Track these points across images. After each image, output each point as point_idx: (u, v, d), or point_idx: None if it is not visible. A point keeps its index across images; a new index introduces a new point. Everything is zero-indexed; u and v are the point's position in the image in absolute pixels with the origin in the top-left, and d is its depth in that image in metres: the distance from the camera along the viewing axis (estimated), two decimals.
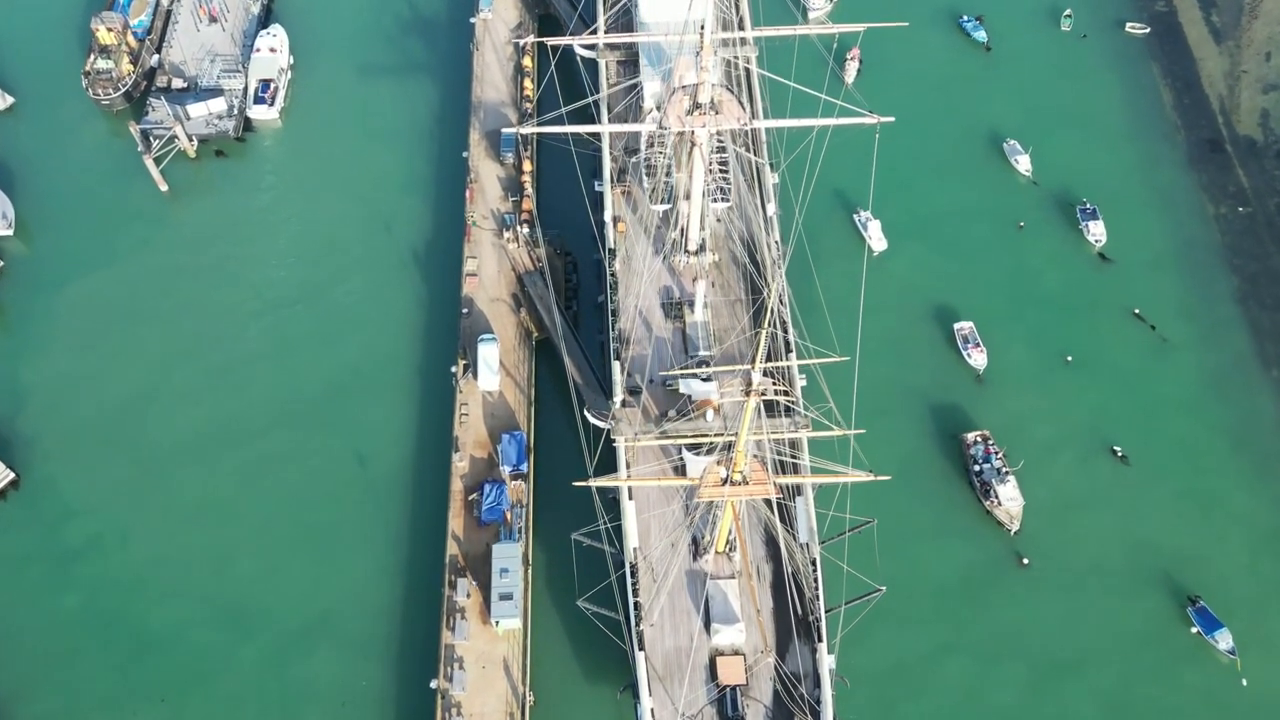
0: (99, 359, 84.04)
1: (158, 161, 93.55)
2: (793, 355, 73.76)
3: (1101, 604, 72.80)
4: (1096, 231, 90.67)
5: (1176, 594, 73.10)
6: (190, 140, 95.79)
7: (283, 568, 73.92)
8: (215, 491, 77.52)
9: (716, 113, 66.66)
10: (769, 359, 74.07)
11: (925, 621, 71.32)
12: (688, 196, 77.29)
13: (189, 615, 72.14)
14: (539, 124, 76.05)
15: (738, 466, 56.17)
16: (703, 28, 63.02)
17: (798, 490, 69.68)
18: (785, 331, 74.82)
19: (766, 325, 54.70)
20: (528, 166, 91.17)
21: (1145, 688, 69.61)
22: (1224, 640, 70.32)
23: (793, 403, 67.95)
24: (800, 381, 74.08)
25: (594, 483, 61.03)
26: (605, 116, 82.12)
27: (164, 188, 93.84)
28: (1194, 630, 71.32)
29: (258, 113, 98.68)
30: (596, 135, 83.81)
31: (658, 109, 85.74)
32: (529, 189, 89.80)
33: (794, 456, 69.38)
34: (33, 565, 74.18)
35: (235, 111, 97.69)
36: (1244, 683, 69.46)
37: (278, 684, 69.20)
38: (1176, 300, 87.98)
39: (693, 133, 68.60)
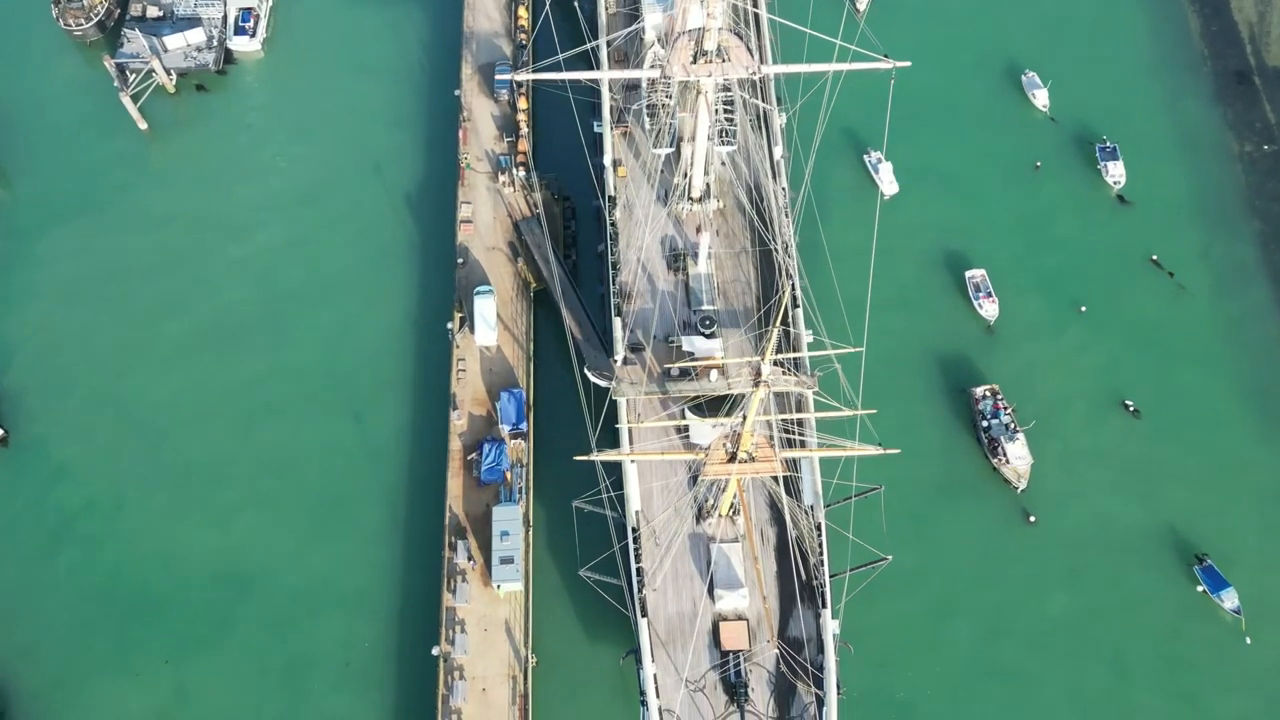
0: (84, 311, 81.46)
1: (135, 99, 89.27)
2: (799, 312, 71.46)
3: (1108, 562, 72.21)
4: (1115, 172, 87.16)
5: (1184, 552, 72.45)
6: (169, 75, 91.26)
7: (279, 528, 72.91)
8: (208, 448, 75.96)
9: (724, 60, 62.78)
10: (777, 317, 72.08)
11: (930, 582, 70.79)
12: (692, 139, 73.73)
13: (187, 576, 71.41)
14: (534, 69, 71.86)
15: (744, 446, 54.42)
16: None
17: (801, 433, 68.06)
18: (793, 287, 72.30)
19: (776, 323, 52.09)
20: (523, 104, 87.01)
21: (1149, 646, 69.53)
22: (1229, 599, 69.95)
23: (802, 385, 65.49)
24: (807, 337, 72.01)
25: (597, 457, 59.33)
26: (605, 60, 77.65)
27: (143, 126, 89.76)
28: (1200, 589, 70.90)
29: (239, 44, 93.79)
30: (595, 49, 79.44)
31: (660, 42, 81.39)
32: (524, 128, 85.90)
33: (800, 428, 67.57)
34: (25, 526, 73.11)
35: (215, 43, 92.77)
36: (1248, 641, 69.35)
37: (280, 645, 68.89)
38: (1196, 245, 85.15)
39: (698, 81, 64.77)
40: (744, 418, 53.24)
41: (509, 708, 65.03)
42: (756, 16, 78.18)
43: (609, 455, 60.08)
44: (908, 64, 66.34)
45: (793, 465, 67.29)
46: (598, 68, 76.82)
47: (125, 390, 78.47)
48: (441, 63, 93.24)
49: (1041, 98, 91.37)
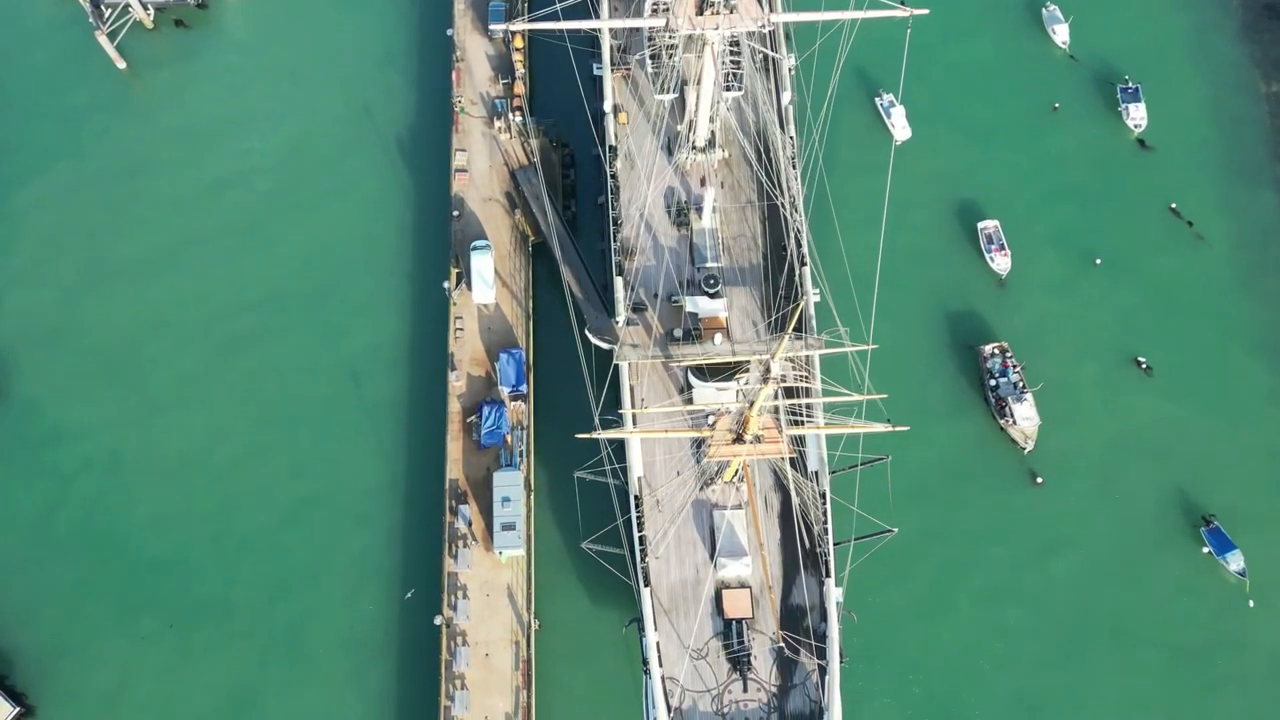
0: (68, 266, 79.15)
1: (112, 36, 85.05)
2: (806, 270, 69.17)
3: (1115, 523, 71.62)
4: (1137, 115, 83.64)
5: (1191, 513, 71.83)
6: (146, 9, 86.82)
7: (278, 490, 72.08)
8: (203, 407, 74.59)
9: (731, 11, 59.12)
10: (782, 275, 69.96)
11: (935, 546, 70.30)
12: (697, 83, 70.22)
13: (187, 538, 70.92)
14: (530, 19, 67.83)
15: (750, 430, 53.00)
16: None
17: (809, 415, 66.94)
18: (800, 244, 69.87)
19: (789, 331, 50.13)
20: (519, 43, 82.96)
21: (1152, 608, 69.38)
22: (1235, 562, 69.63)
23: (810, 349, 63.57)
24: (814, 296, 69.95)
25: (600, 434, 57.97)
26: (606, 7, 73.34)
27: (122, 65, 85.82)
28: (1205, 550, 70.52)
29: None
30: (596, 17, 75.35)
31: None
32: (521, 69, 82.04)
33: (806, 385, 66.02)
34: (22, 487, 72.29)
35: None
36: (1251, 604, 69.25)
37: (283, 609, 68.74)
38: (1217, 193, 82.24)
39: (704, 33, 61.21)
40: (750, 403, 51.62)
41: (512, 673, 65.28)
42: None
43: (612, 434, 58.68)
44: (925, 11, 63.06)
45: (797, 442, 66.13)
46: (597, 14, 72.66)
47: (116, 346, 76.74)
48: None
49: (1062, 33, 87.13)
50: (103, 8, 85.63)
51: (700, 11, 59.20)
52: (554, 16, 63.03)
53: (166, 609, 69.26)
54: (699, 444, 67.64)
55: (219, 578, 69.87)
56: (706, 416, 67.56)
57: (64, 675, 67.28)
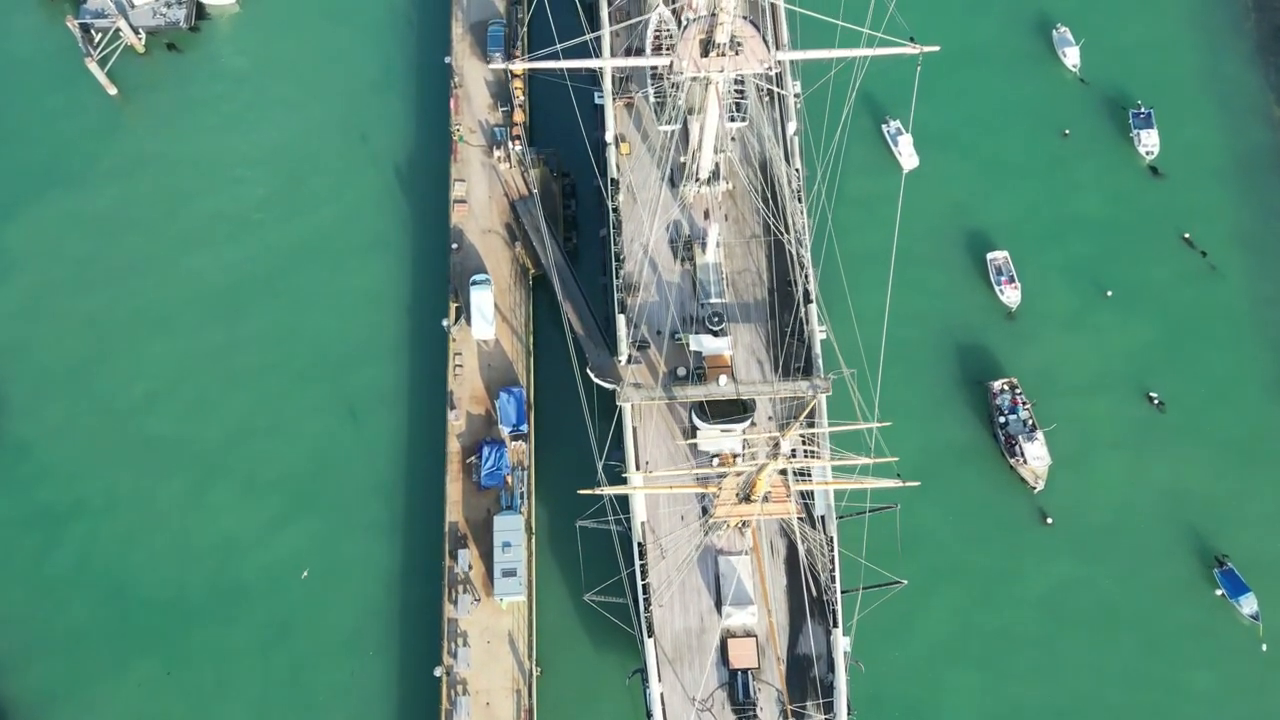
0: (59, 298, 77.60)
1: (103, 62, 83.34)
2: (813, 308, 67.74)
3: (1126, 564, 70.34)
4: (1149, 142, 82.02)
5: (1204, 553, 70.56)
6: (137, 33, 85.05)
7: (275, 531, 70.73)
8: (197, 446, 73.21)
9: (736, 53, 57.47)
10: (786, 320, 68.48)
11: (945, 590, 69.00)
12: (702, 111, 68.54)
13: (183, 579, 69.56)
14: (530, 58, 66.14)
15: (758, 492, 51.64)
16: None
17: (814, 456, 65.59)
18: (806, 280, 68.44)
19: (801, 419, 48.98)
20: (518, 69, 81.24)
21: (1164, 651, 68.18)
22: (1248, 605, 68.42)
23: (815, 391, 62.10)
24: (820, 334, 68.58)
25: (604, 490, 56.60)
26: (607, 46, 71.41)
27: (113, 91, 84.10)
28: (1218, 592, 69.29)
29: None
30: (596, 37, 73.50)
31: (666, 2, 75.38)
32: (520, 97, 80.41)
33: (813, 448, 64.48)
34: (14, 530, 70.95)
35: None
36: (1264, 648, 68.07)
37: (283, 654, 67.40)
38: (1230, 221, 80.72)
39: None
40: (760, 468, 50.22)
41: None
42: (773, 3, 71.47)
43: (616, 490, 57.29)
44: (936, 48, 61.22)
45: (804, 478, 64.83)
46: (598, 50, 70.85)
47: (110, 382, 75.29)
48: (429, 15, 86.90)
49: (1072, 56, 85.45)
50: (93, 33, 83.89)
51: (705, 53, 57.51)
52: (554, 55, 61.29)
53: (164, 654, 68.00)
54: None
55: (217, 622, 68.61)
56: (712, 459, 66.52)
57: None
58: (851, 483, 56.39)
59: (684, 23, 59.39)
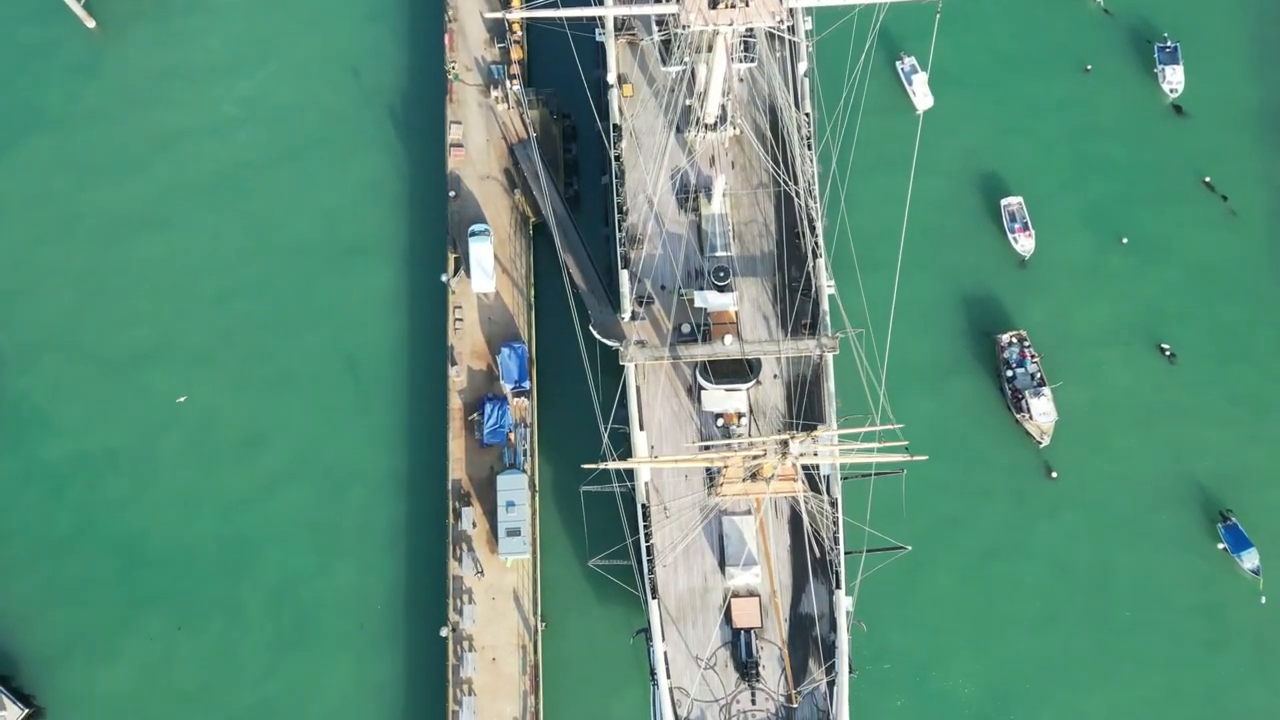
0: (45, 244, 75.52)
1: None
2: (821, 262, 65.97)
3: (1130, 520, 70.26)
4: (1174, 79, 78.63)
5: (1209, 508, 70.45)
6: None
7: (278, 484, 70.46)
8: (194, 401, 72.20)
9: (746, 3, 54.27)
10: (794, 272, 66.64)
11: (949, 546, 69.07)
12: (709, 49, 65.32)
13: (189, 536, 69.51)
14: (529, 6, 62.51)
15: (765, 474, 50.95)
16: None
17: (820, 418, 64.87)
18: (814, 233, 66.40)
19: (809, 435, 47.79)
20: (516, 2, 77.29)
21: (1166, 604, 68.59)
22: (1249, 560, 68.66)
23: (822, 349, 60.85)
24: (828, 288, 66.93)
25: (608, 465, 55.95)
26: None
27: (91, 24, 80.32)
28: (1221, 547, 69.48)
29: None
30: None
31: None
32: (518, 33, 76.70)
33: (818, 397, 63.51)
34: (17, 488, 70.71)
35: None
36: (1263, 600, 68.59)
37: (291, 609, 67.82)
38: (1254, 164, 78.08)
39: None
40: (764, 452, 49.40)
41: (519, 677, 65.12)
42: None
43: (621, 464, 56.63)
44: None
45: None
46: None
47: (103, 333, 73.99)
48: None
49: None
50: None
51: (714, 5, 54.33)
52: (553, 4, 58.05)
53: (173, 608, 68.52)
54: (708, 445, 65.84)
55: (225, 575, 68.94)
56: (716, 418, 65.80)
57: (72, 677, 67.10)
58: (858, 457, 55.68)
59: None
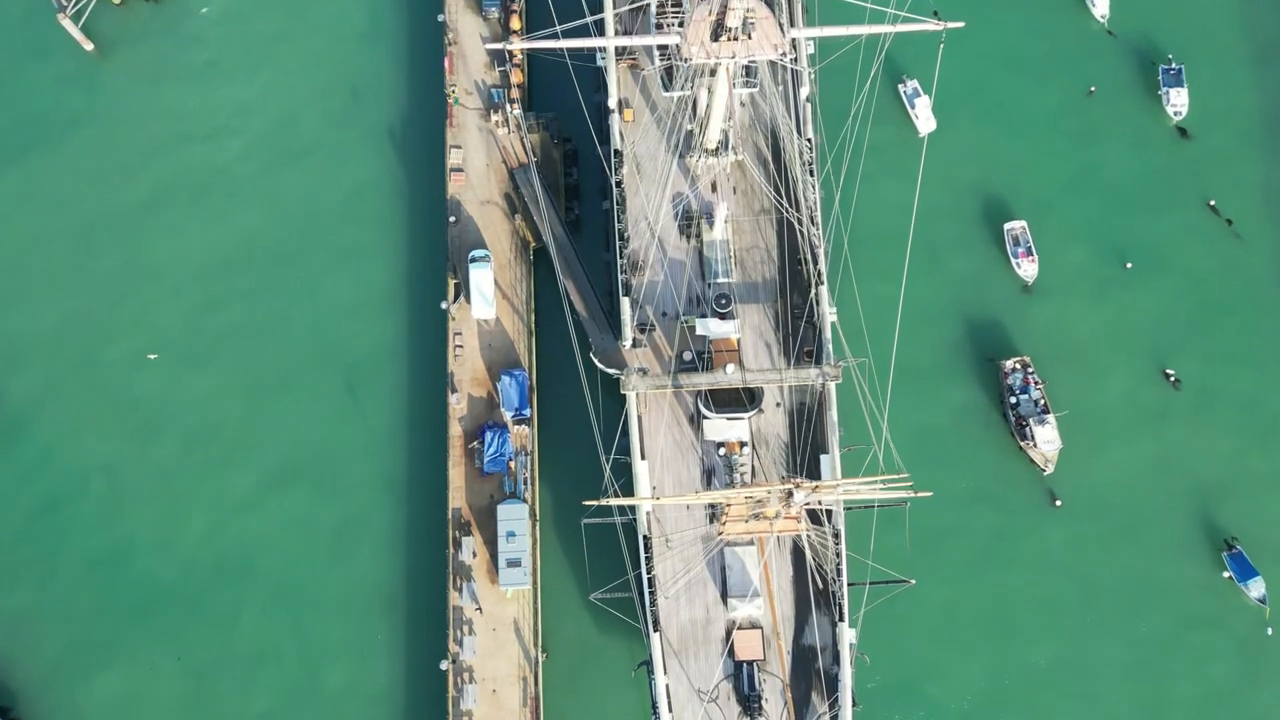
0: (38, 260, 74.81)
1: (77, 17, 78.82)
2: (824, 289, 65.55)
3: (1136, 546, 69.64)
4: (1178, 101, 78.10)
5: (1215, 535, 69.91)
6: None
7: (278, 512, 69.88)
8: (189, 424, 71.69)
9: (749, 36, 53.80)
10: (796, 299, 66.26)
11: (951, 574, 68.54)
12: (711, 74, 64.86)
13: (188, 562, 68.94)
14: (529, 38, 62.07)
15: (768, 515, 50.50)
16: None
17: (823, 447, 64.49)
18: (817, 261, 65.99)
19: (814, 484, 47.10)
20: (515, 24, 76.89)
21: (1171, 634, 68.03)
22: (1256, 588, 68.17)
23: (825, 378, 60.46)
24: (831, 316, 66.59)
25: (610, 502, 55.49)
26: (610, 24, 66.64)
27: (89, 47, 79.83)
28: (1226, 575, 68.98)
29: None
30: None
31: None
32: (518, 56, 76.21)
33: (819, 426, 63.04)
34: (16, 513, 70.24)
35: None
36: (1269, 631, 68.09)
37: (292, 639, 67.40)
38: (1259, 186, 77.56)
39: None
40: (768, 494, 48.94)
41: (520, 709, 64.64)
42: None
43: (620, 501, 56.19)
44: (961, 24, 57.76)
45: (813, 463, 63.84)
46: (600, 22, 66.61)
47: (96, 350, 73.25)
48: None
49: (1101, 5, 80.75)
50: None
51: (715, 37, 53.83)
52: (555, 29, 57.56)
53: (169, 632, 67.93)
54: (708, 476, 65.53)
55: (221, 605, 68.41)
56: (718, 447, 65.37)
57: (70, 705, 66.56)
58: (863, 493, 55.17)
59: None
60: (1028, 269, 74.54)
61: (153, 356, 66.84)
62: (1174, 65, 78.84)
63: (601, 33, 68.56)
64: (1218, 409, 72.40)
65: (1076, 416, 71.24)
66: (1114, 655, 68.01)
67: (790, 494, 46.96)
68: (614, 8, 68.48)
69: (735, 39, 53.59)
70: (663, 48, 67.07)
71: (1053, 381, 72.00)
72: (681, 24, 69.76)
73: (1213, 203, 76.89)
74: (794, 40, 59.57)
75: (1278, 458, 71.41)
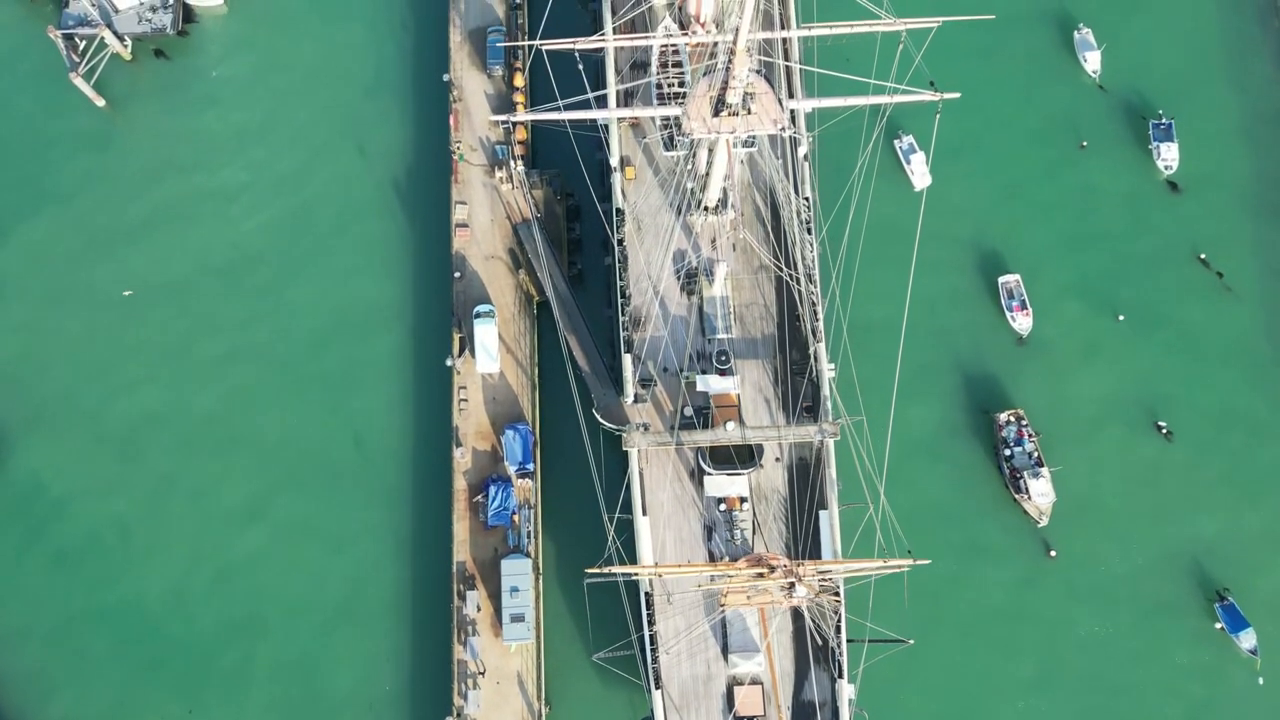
0: (49, 321, 76.19)
1: (90, 74, 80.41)
2: (822, 346, 66.88)
3: (1129, 597, 70.77)
4: (1168, 155, 79.64)
5: (1207, 586, 70.99)
6: (122, 41, 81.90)
7: (284, 565, 71.01)
8: (195, 476, 72.83)
9: (749, 111, 55.28)
10: (795, 355, 67.56)
11: (948, 626, 69.56)
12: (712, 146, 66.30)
13: (198, 617, 70.08)
14: (533, 110, 63.61)
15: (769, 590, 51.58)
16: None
17: (822, 503, 65.67)
18: (816, 318, 67.32)
19: (816, 565, 48.14)
20: (519, 82, 78.47)
21: (1163, 684, 69.06)
22: (1247, 640, 69.16)
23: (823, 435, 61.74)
24: (829, 373, 67.91)
25: (613, 571, 56.52)
26: (613, 95, 68.13)
27: (101, 103, 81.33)
28: (1218, 626, 70.01)
29: None
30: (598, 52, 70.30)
31: (671, 11, 72.68)
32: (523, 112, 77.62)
33: (816, 482, 64.35)
34: (27, 565, 71.30)
35: (171, 0, 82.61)
36: (1260, 681, 69.08)
37: (302, 690, 68.40)
38: (1247, 240, 79.00)
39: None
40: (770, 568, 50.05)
41: None
42: (785, 48, 67.86)
43: (625, 570, 57.25)
44: (956, 95, 59.22)
45: (813, 527, 64.96)
46: (603, 83, 68.08)
47: (104, 403, 74.63)
48: (426, 17, 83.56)
49: (1093, 61, 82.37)
50: (76, 40, 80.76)
51: (716, 113, 55.32)
52: (557, 106, 59.04)
53: (179, 685, 68.86)
54: (709, 531, 66.67)
55: (230, 657, 69.38)
56: (718, 503, 66.53)
57: None
58: (863, 567, 56.21)
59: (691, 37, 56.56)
60: (1022, 322, 75.87)
61: (128, 293, 66.50)
62: (1164, 120, 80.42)
63: (604, 95, 70.34)
64: (1210, 461, 73.58)
65: (1070, 471, 72.40)
66: (1107, 705, 68.97)
67: (793, 586, 47.90)
68: (614, 76, 69.87)
69: (735, 114, 54.94)
70: (661, 90, 68.57)
71: (1046, 434, 73.21)
72: (682, 85, 71.63)
73: (1203, 256, 78.29)
74: (793, 113, 60.94)
75: (1269, 509, 72.56)
